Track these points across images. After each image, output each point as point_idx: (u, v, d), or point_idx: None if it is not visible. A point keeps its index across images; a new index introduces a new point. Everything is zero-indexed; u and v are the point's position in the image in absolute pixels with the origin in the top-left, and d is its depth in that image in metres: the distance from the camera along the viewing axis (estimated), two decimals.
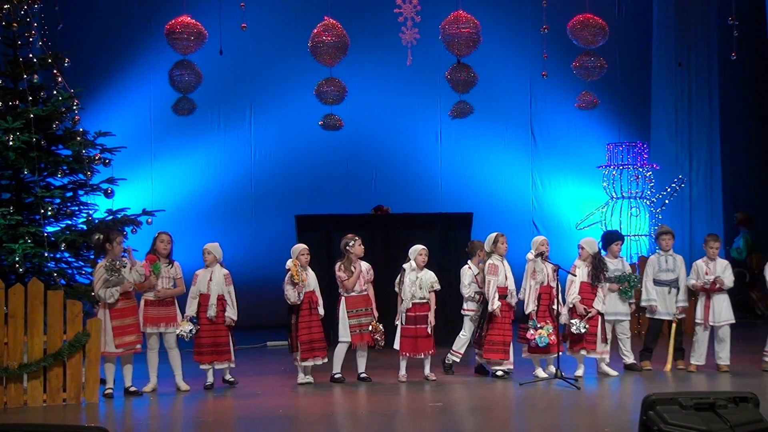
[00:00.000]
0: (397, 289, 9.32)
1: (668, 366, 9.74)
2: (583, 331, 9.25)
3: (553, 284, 9.30)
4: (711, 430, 4.98)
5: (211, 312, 8.91)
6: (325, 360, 9.19)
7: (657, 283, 9.82)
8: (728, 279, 9.60)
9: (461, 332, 9.67)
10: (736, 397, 5.20)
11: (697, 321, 9.71)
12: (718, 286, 9.49)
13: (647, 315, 9.98)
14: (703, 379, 9.21)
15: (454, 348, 9.67)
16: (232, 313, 9.03)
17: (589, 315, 9.34)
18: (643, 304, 9.87)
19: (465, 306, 9.66)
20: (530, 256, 9.39)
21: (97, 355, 8.44)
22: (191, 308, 8.97)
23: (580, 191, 15.36)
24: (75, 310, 8.44)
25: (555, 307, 9.28)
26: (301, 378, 9.14)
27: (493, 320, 9.27)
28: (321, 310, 9.23)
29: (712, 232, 10.28)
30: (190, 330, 8.82)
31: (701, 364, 9.60)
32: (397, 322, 9.25)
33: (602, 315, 9.48)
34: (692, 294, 9.96)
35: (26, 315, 8.29)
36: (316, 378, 9.27)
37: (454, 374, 9.56)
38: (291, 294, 8.99)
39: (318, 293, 9.25)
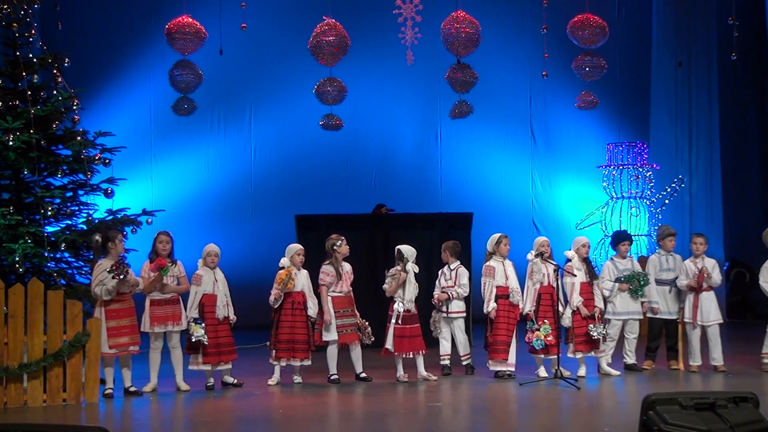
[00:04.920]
0: (388, 287, 9.25)
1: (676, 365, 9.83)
2: (604, 333, 9.25)
3: (555, 284, 9.30)
4: (711, 430, 4.98)
5: (224, 313, 8.93)
6: (306, 363, 9.13)
7: (658, 282, 9.84)
8: (716, 276, 9.62)
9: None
10: (736, 397, 5.21)
11: (685, 320, 9.74)
12: (705, 276, 9.49)
13: (648, 315, 9.98)
14: (703, 379, 9.21)
15: (460, 353, 9.66)
16: (232, 312, 9.07)
17: (594, 315, 9.33)
18: (643, 302, 9.86)
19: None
20: (530, 256, 9.40)
21: (97, 355, 8.43)
22: (195, 310, 8.89)
23: (580, 191, 15.38)
24: (75, 310, 8.43)
25: (559, 308, 9.28)
26: (274, 379, 9.10)
27: (495, 321, 9.28)
28: (310, 311, 9.16)
29: (699, 232, 10.36)
30: (204, 333, 8.78)
31: (699, 363, 9.61)
32: (393, 323, 9.21)
33: (603, 313, 9.51)
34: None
35: (26, 315, 8.28)
36: (312, 379, 9.27)
37: (473, 374, 9.54)
38: (271, 298, 9.05)
39: (307, 293, 9.19)
